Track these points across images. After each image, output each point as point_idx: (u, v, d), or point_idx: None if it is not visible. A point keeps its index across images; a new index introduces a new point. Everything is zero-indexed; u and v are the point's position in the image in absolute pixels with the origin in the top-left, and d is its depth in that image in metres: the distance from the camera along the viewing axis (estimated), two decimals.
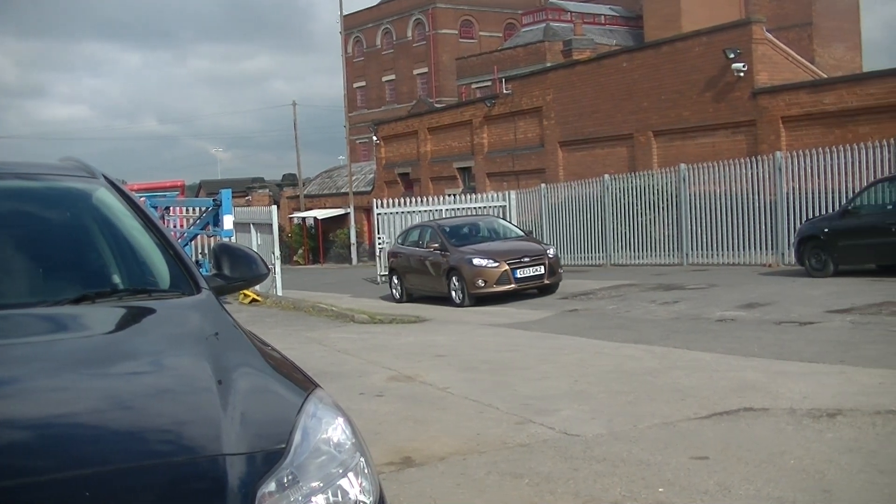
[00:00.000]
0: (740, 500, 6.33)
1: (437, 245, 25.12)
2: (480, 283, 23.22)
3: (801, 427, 8.17)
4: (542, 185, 36.32)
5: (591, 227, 32.85)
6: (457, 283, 23.83)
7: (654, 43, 38.72)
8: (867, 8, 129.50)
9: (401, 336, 17.76)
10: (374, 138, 56.33)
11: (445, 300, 24.17)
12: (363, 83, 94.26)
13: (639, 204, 30.70)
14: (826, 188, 24.83)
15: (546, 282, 23.68)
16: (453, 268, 23.96)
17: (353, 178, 59.43)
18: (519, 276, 23.29)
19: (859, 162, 24.25)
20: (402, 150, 52.85)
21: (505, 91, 45.74)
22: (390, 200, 35.74)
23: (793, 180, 25.88)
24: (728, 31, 32.85)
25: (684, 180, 29.05)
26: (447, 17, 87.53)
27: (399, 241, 28.58)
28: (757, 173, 27.00)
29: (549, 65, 52.74)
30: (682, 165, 29.47)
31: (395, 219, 34.50)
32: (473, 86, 72.05)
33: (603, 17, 74.65)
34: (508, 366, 13.03)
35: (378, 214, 34.32)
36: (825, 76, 35.98)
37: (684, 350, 13.41)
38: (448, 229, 25.89)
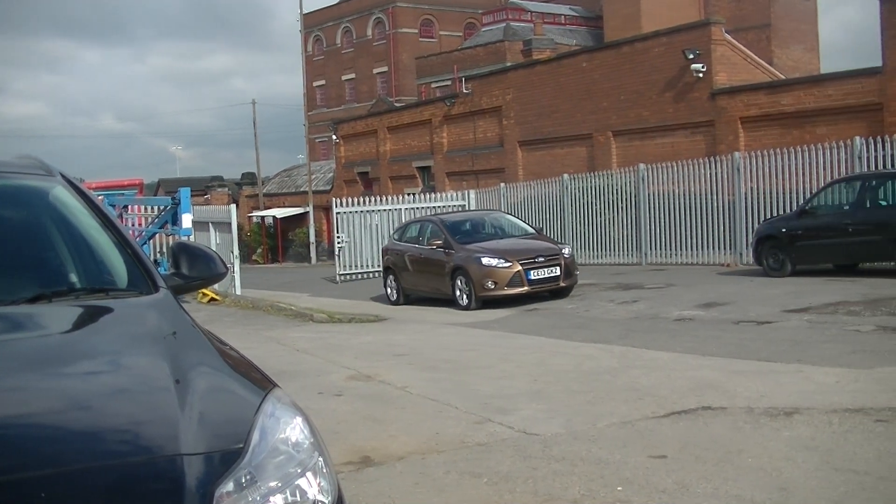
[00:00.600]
0: (698, 498, 6.36)
1: (439, 242, 23.11)
2: (490, 284, 21.21)
3: (759, 426, 8.22)
4: (502, 184, 36.37)
5: (550, 227, 32.89)
6: (462, 285, 21.81)
7: (614, 43, 38.83)
8: (825, 10, 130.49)
9: (360, 335, 17.73)
10: (334, 137, 56.23)
11: (448, 303, 22.38)
12: (323, 82, 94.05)
13: (598, 203, 30.76)
14: (784, 188, 24.97)
15: (562, 284, 21.61)
16: (459, 267, 21.99)
17: (313, 176, 59.27)
18: (532, 277, 21.22)
19: (817, 162, 24.41)
20: (362, 149, 52.79)
21: (465, 90, 45.78)
22: (349, 199, 35.64)
23: (751, 180, 26.02)
24: (687, 31, 33.00)
25: (643, 180, 29.15)
26: (407, 17, 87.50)
27: (395, 236, 26.70)
28: (715, 173, 27.13)
29: (508, 64, 52.79)
30: (641, 165, 29.57)
31: (354, 218, 34.44)
32: (433, 85, 72.02)
33: (563, 17, 74.75)
34: (468, 365, 13.04)
35: (337, 213, 34.22)
36: (783, 77, 36.19)
37: (643, 349, 13.45)
38: (452, 225, 23.94)
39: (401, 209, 34.96)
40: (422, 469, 7.58)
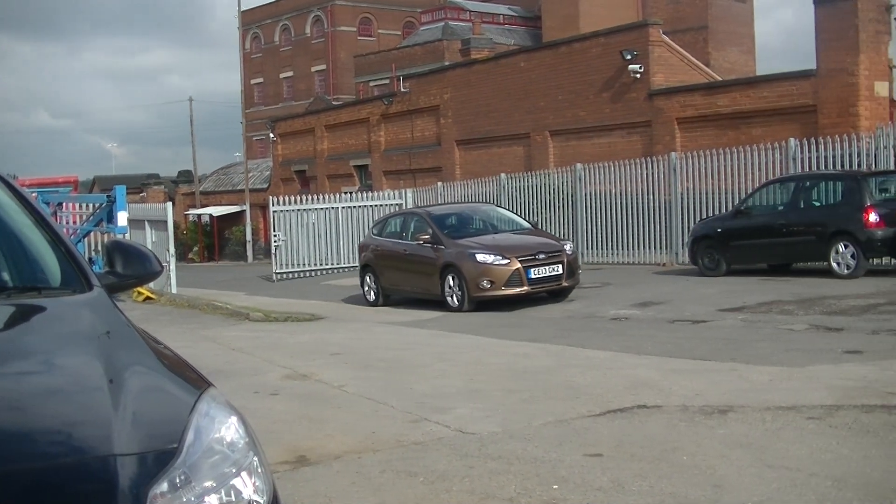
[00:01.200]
0: (633, 496, 6.39)
1: (427, 237, 21.15)
2: (485, 283, 19.47)
3: (694, 424, 8.29)
4: (439, 183, 36.41)
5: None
6: (454, 284, 20.04)
7: (552, 43, 38.97)
8: (762, 13, 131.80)
9: (296, 334, 17.66)
10: (271, 135, 55.97)
11: (437, 304, 20.60)
12: (261, 79, 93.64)
13: (535, 203, 30.83)
14: (719, 189, 25.18)
15: (564, 284, 19.89)
16: (450, 265, 20.16)
17: (250, 175, 59.01)
18: (533, 276, 19.41)
19: (752, 163, 24.63)
20: (299, 148, 52.60)
21: (403, 89, 45.75)
22: (286, 198, 35.51)
23: (687, 180, 26.20)
24: (625, 32, 33.15)
25: (580, 180, 29.27)
26: (346, 15, 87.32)
27: (374, 231, 24.66)
28: (652, 173, 27.29)
29: (447, 64, 52.92)
30: (579, 165, 29.69)
31: (290, 216, 34.33)
32: (371, 84, 71.95)
33: (502, 16, 74.98)
34: (404, 364, 13.03)
35: (274, 212, 34.08)
36: (720, 79, 36.48)
37: (579, 348, 13.50)
38: (439, 218, 22.01)
39: (337, 208, 34.97)
40: (358, 468, 7.56)
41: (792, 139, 24.05)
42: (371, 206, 35.60)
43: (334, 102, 66.65)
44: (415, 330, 17.38)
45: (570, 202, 29.55)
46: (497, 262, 19.55)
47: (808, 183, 21.17)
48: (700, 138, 29.13)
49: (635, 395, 9.60)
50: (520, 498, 6.51)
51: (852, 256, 19.37)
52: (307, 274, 33.88)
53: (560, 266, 19.70)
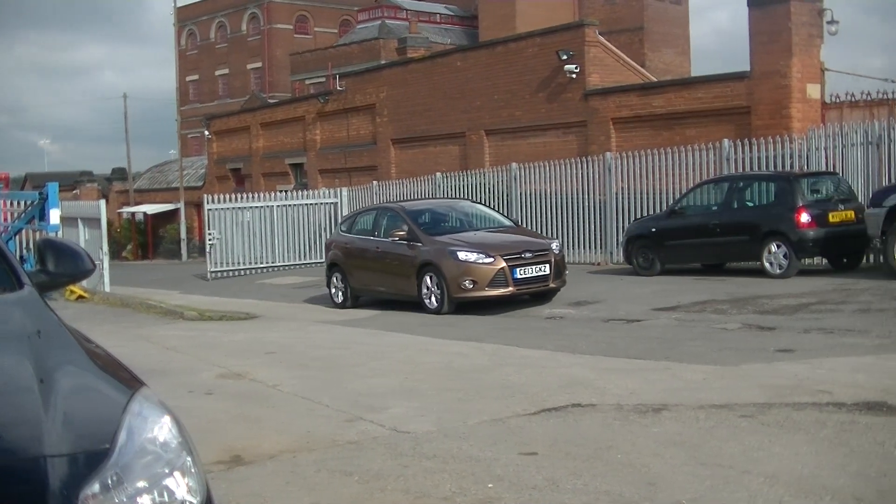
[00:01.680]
0: (568, 494, 6.41)
1: (402, 233, 19.87)
2: (468, 283, 18.25)
3: (628, 422, 8.33)
4: (374, 182, 36.36)
5: None
6: (432, 284, 18.86)
7: (489, 43, 39.04)
8: (697, 15, 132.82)
9: (231, 333, 17.57)
10: (206, 133, 55.56)
11: (413, 306, 19.42)
12: (196, 77, 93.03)
13: None
14: (654, 188, 25.33)
15: (551, 285, 18.84)
16: (428, 263, 18.96)
17: (185, 172, 58.60)
18: (519, 276, 18.25)
19: (686, 163, 24.80)
20: (234, 146, 52.29)
21: (339, 88, 45.60)
22: (221, 196, 35.27)
23: (622, 180, 26.34)
24: (561, 32, 33.23)
25: (515, 179, 29.33)
26: (282, 12, 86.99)
27: (343, 227, 23.24)
28: (587, 173, 27.39)
29: (383, 62, 52.83)
30: (514, 164, 29.76)
31: (225, 215, 34.09)
32: (307, 82, 71.81)
33: (438, 15, 75.06)
34: (339, 363, 13.01)
35: (209, 210, 33.82)
36: (655, 80, 36.70)
37: (514, 347, 13.54)
38: (415, 213, 20.74)
39: (272, 206, 34.81)
40: (293, 468, 7.53)
41: (726, 140, 24.25)
42: (306, 204, 35.57)
43: (270, 100, 66.29)
44: (349, 329, 17.34)
45: (505, 201, 29.58)
46: (480, 261, 18.37)
47: (741, 183, 21.36)
48: (635, 138, 29.28)
49: (570, 394, 9.64)
50: (455, 497, 6.51)
51: (784, 256, 19.59)
52: (242, 273, 33.69)
53: (547, 266, 18.65)
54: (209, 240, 33.53)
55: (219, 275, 33.33)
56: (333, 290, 22.07)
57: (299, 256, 34.98)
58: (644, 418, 8.43)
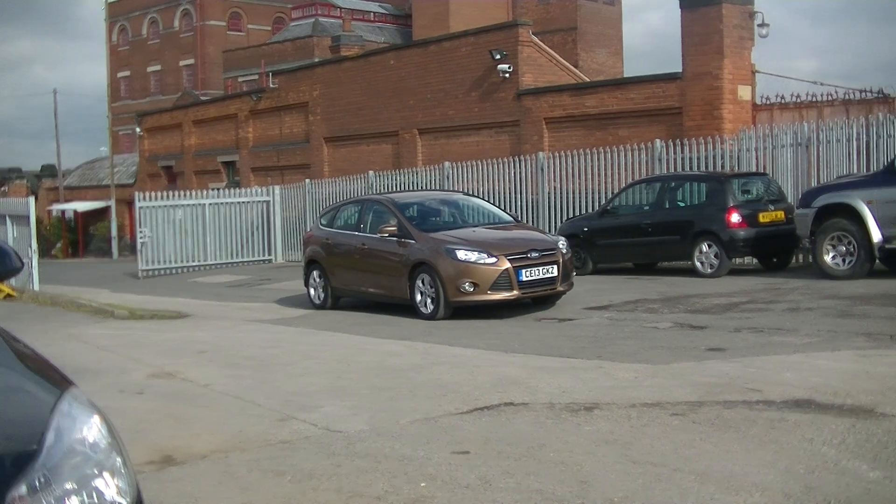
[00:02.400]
0: (501, 492, 6.42)
1: (392, 229, 18.07)
2: (467, 286, 16.45)
3: (560, 421, 8.36)
4: (307, 180, 36.25)
5: None
6: (427, 286, 17.09)
7: (422, 42, 39.05)
8: (630, 16, 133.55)
9: (163, 332, 17.43)
10: (138, 130, 55.08)
11: (403, 309, 17.80)
12: (128, 73, 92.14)
13: None
14: (586, 188, 25.48)
15: (559, 288, 17.04)
16: (422, 263, 17.20)
17: (116, 170, 58.12)
18: (525, 278, 16.46)
19: (618, 163, 24.97)
20: (166, 143, 51.87)
21: (272, 85, 45.38)
22: (153, 194, 35.02)
23: (554, 180, 26.47)
24: (495, 32, 33.27)
25: (448, 178, 29.38)
26: (215, 9, 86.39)
27: (323, 221, 21.20)
28: (520, 172, 27.51)
29: (316, 60, 52.69)
30: (447, 163, 29.81)
31: (157, 212, 33.82)
32: (240, 79, 71.53)
33: (372, 14, 75.11)
34: (271, 362, 12.95)
35: (140, 208, 33.53)
36: (588, 80, 36.89)
37: (446, 346, 13.54)
38: (406, 207, 19.01)
39: (204, 204, 34.63)
40: (225, 468, 7.49)
41: (658, 140, 24.45)
42: (238, 202, 35.48)
43: (202, 97, 65.88)
44: (282, 327, 17.25)
45: None
46: (482, 261, 16.56)
47: (672, 183, 21.56)
48: (567, 138, 29.39)
49: (502, 393, 9.65)
50: (388, 496, 6.51)
51: (715, 256, 19.80)
52: (174, 271, 33.49)
53: (555, 267, 16.81)
54: (140, 238, 33.26)
55: (150, 273, 33.10)
56: (312, 291, 20.40)
57: (232, 255, 34.85)
58: (576, 417, 8.46)
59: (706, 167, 23.07)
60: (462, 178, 29.03)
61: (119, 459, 3.14)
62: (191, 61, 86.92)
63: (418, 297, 17.30)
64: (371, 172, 32.71)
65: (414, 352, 13.22)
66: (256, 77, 67.56)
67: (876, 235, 17.13)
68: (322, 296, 20.08)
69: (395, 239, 17.97)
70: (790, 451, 6.99)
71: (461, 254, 16.68)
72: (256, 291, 24.72)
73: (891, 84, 24.51)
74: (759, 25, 26.43)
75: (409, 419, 8.78)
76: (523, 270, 16.46)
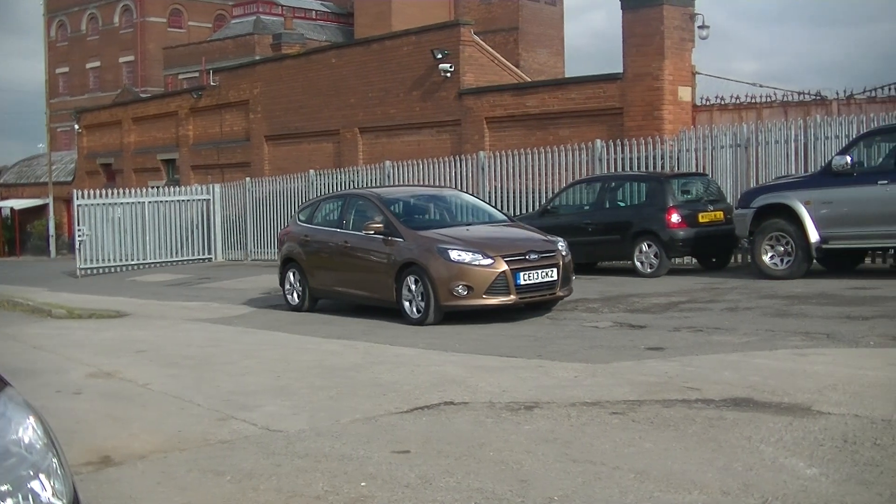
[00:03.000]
0: (441, 491, 6.43)
1: (378, 226, 16.70)
2: (460, 289, 15.21)
3: (500, 420, 8.37)
4: (247, 178, 36.08)
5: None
6: (416, 288, 15.78)
7: (364, 40, 38.99)
8: (572, 16, 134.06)
9: (101, 331, 17.29)
10: (76, 127, 54.59)
11: (387, 313, 16.61)
12: (67, 69, 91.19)
13: None
14: (527, 188, 25.54)
15: (559, 293, 15.94)
16: (411, 263, 15.92)
17: (54, 167, 57.59)
18: (522, 282, 15.29)
19: (559, 163, 25.07)
20: (106, 140, 51.42)
21: (212, 83, 45.15)
22: (92, 191, 34.69)
23: (495, 179, 26.52)
24: (437, 31, 33.27)
25: (389, 177, 29.36)
26: (156, 5, 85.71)
27: (301, 217, 19.76)
28: (461, 172, 27.55)
29: (257, 58, 52.47)
30: (388, 162, 29.80)
31: (95, 210, 33.52)
32: (181, 76, 71.12)
33: (314, 12, 74.91)
34: (211, 361, 12.89)
35: (78, 206, 33.21)
36: (529, 80, 36.99)
37: (386, 345, 13.54)
38: (394, 202, 17.60)
39: (144, 202, 34.39)
40: (164, 468, 7.45)
41: (598, 140, 24.57)
42: (178, 201, 35.27)
43: (142, 95, 65.43)
44: (221, 326, 17.14)
45: None
46: (477, 262, 15.32)
47: (613, 183, 21.67)
48: (508, 138, 29.45)
49: (442, 392, 9.66)
50: (328, 496, 6.50)
51: (655, 256, 19.93)
52: (113, 270, 33.23)
53: (555, 270, 15.70)
54: (79, 236, 32.96)
55: (89, 272, 32.82)
56: (288, 291, 19.08)
57: (171, 253, 34.64)
58: (516, 416, 8.48)
59: (646, 167, 23.22)
60: (403, 177, 29.01)
61: (55, 460, 3.11)
62: (131, 58, 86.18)
63: (406, 301, 16.02)
64: (311, 171, 32.64)
65: (354, 351, 13.20)
66: (197, 74, 67.22)
67: (813, 236, 17.32)
68: (298, 298, 18.82)
69: (381, 237, 16.68)
70: (728, 450, 7.05)
71: (454, 254, 15.43)
72: (196, 290, 24.57)
73: (828, 86, 24.83)
74: (700, 27, 26.62)
75: (349, 418, 8.77)
76: (521, 273, 15.32)
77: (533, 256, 15.51)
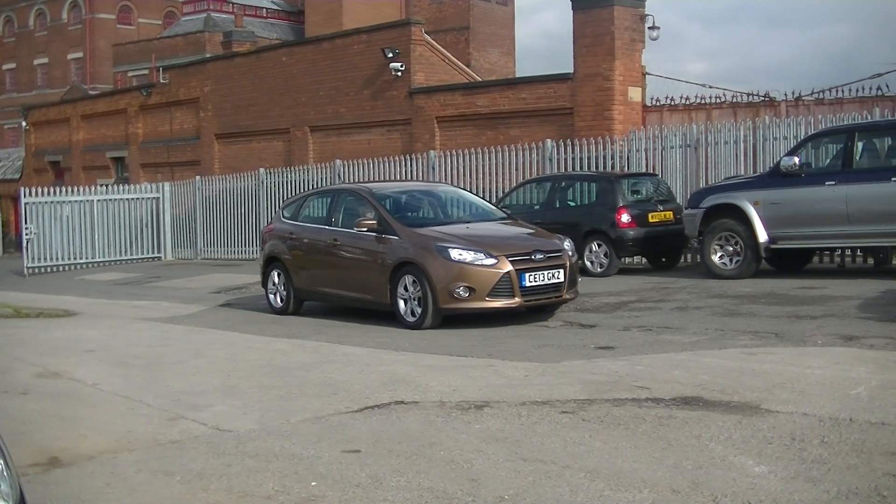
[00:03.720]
0: (391, 491, 6.42)
1: (372, 223, 15.71)
2: (461, 291, 14.28)
3: (451, 419, 8.38)
4: (197, 177, 35.93)
5: (245, 221, 32.75)
6: (413, 290, 14.85)
7: (315, 39, 38.87)
8: (523, 16, 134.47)
9: (49, 330, 17.13)
10: (24, 124, 54.09)
11: (381, 316, 15.78)
12: (13, 65, 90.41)
13: None
14: (478, 187, 25.55)
15: (565, 296, 15.07)
16: (407, 263, 14.97)
17: (0, 164, 57.04)
18: (528, 284, 14.38)
19: (509, 163, 25.14)
20: (54, 137, 51.00)
21: (162, 80, 44.92)
22: (39, 189, 34.43)
23: (445, 178, 26.52)
24: (388, 30, 33.24)
25: (339, 175, 29.31)
26: (105, 2, 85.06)
27: (286, 213, 18.64)
28: (411, 171, 27.55)
29: (208, 56, 52.25)
30: (338, 161, 29.76)
31: (43, 208, 33.29)
32: (130, 74, 70.65)
33: (265, 10, 74.70)
34: (160, 361, 12.80)
35: (26, 203, 32.95)
36: (480, 79, 37.05)
37: (336, 345, 13.51)
38: (387, 198, 16.52)
39: (93, 200, 34.19)
40: (113, 469, 7.39)
41: (549, 140, 24.65)
42: (128, 199, 35.12)
43: (91, 92, 64.89)
44: (171, 326, 17.05)
45: None
46: (479, 262, 14.40)
47: (563, 183, 21.74)
48: (459, 137, 29.48)
49: (392, 392, 9.66)
50: (278, 496, 6.48)
51: (605, 255, 20.03)
52: (61, 268, 33.01)
53: (561, 272, 14.83)
54: (26, 234, 32.71)
55: (36, 270, 32.59)
56: (271, 292, 18.10)
57: (120, 252, 34.47)
58: (466, 415, 8.49)
59: (596, 167, 23.32)
60: (353, 176, 28.98)
61: (1, 462, 3.09)
62: (79, 55, 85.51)
63: (401, 303, 15.09)
64: (262, 170, 32.57)
65: (303, 350, 13.16)
66: (147, 72, 66.80)
67: (762, 236, 17.46)
68: (282, 300, 17.83)
69: (373, 234, 15.68)
70: (678, 448, 7.09)
71: (455, 253, 14.50)
72: (146, 289, 24.43)
73: (776, 87, 25.00)
74: (650, 28, 26.71)
75: (299, 418, 8.74)
76: (526, 274, 14.40)
77: (539, 256, 14.67)
